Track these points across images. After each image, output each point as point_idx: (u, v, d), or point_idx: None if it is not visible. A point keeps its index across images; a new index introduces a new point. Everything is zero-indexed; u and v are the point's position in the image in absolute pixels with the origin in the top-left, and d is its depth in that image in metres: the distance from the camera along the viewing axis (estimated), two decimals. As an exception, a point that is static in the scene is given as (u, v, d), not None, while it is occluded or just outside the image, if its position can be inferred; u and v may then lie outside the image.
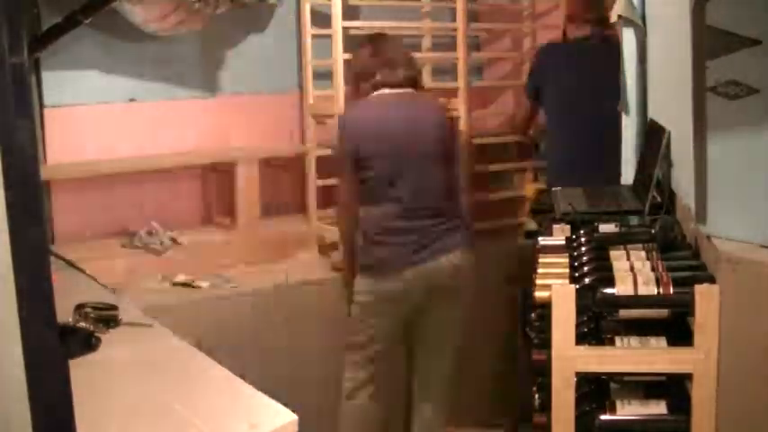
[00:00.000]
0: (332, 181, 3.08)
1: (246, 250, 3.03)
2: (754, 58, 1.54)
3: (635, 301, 1.57)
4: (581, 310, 1.59)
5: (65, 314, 1.64)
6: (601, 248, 1.77)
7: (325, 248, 3.07)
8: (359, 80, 2.60)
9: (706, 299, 1.52)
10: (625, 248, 1.77)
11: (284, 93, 3.38)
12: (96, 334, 1.59)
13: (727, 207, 1.64)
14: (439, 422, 2.67)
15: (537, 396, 1.74)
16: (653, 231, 1.77)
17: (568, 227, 2.02)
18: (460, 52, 3.25)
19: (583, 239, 1.84)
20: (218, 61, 3.27)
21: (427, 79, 3.46)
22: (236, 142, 3.24)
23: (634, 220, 2.01)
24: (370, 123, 2.51)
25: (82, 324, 1.64)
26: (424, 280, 2.45)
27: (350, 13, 3.18)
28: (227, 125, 3.21)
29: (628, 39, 2.37)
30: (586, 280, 1.62)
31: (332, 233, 3.05)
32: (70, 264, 2.56)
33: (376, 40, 2.68)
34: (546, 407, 1.64)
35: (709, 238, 1.65)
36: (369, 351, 2.51)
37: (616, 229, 1.93)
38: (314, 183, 3.16)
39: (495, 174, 3.70)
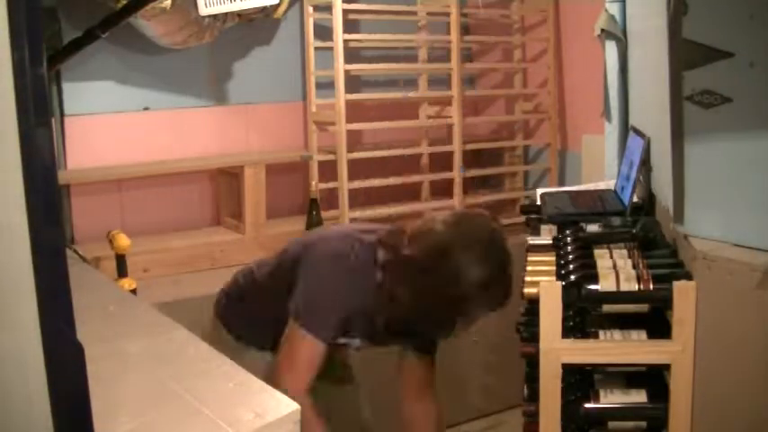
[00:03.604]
0: (333, 184, 3.08)
1: (253, 249, 3.03)
2: (728, 69, 1.54)
3: (617, 296, 1.57)
4: (567, 305, 1.59)
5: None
6: (586, 247, 1.77)
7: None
8: None
9: (683, 295, 1.52)
10: (608, 247, 1.77)
11: (288, 102, 3.39)
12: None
13: (703, 208, 1.64)
14: None
15: (526, 386, 1.74)
16: (633, 231, 1.77)
17: (555, 227, 2.02)
18: (454, 63, 3.26)
19: (569, 239, 1.84)
20: (227, 73, 3.27)
21: (423, 88, 3.47)
22: (243, 148, 3.24)
23: (617, 221, 2.00)
24: None
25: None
26: None
27: (350, 26, 3.18)
28: (235, 132, 3.21)
29: (610, 51, 2.37)
30: (572, 277, 1.62)
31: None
32: (87, 261, 2.57)
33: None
34: (534, 396, 1.64)
35: (686, 237, 1.65)
36: None
37: (600, 230, 1.93)
38: (316, 186, 3.16)
39: (487, 177, 3.72)
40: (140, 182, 3.04)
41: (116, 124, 3.01)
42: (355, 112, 3.12)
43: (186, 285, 2.77)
